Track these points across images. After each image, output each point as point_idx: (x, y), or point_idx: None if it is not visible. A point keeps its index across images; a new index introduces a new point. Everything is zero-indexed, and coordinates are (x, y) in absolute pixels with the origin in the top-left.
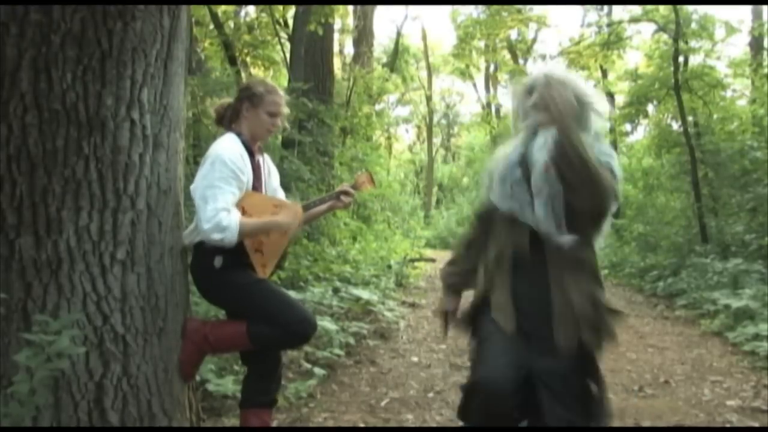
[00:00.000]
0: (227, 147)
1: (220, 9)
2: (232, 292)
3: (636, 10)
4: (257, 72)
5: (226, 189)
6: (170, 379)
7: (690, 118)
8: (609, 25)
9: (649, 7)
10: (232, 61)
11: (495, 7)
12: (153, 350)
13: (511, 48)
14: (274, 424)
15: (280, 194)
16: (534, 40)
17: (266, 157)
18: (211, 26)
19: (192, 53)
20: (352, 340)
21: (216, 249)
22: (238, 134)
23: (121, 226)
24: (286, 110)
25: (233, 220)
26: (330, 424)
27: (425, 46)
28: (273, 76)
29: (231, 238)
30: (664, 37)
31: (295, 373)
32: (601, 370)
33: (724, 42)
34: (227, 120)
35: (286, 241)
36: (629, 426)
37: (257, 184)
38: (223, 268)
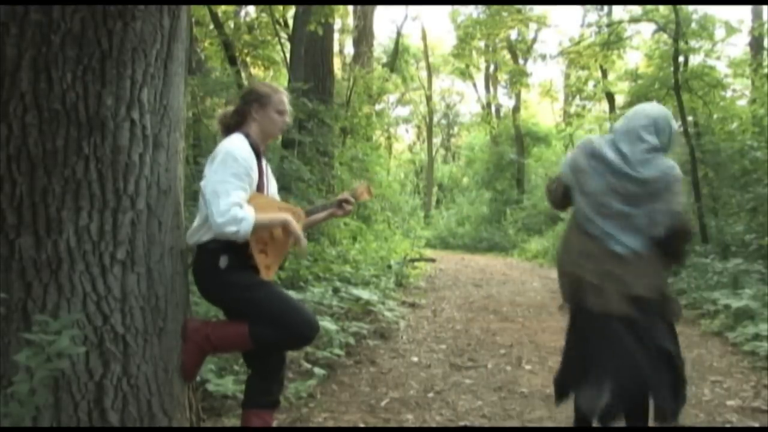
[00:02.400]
0: (238, 145)
1: (220, 9)
2: (236, 293)
3: (636, 10)
4: (257, 72)
5: (238, 185)
6: (170, 379)
7: (690, 118)
8: (609, 25)
9: (649, 7)
10: (232, 61)
11: (495, 7)
12: (153, 350)
13: (511, 48)
14: (274, 424)
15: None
16: (534, 40)
17: (267, 163)
18: (211, 26)
19: (192, 53)
20: (352, 340)
21: (221, 249)
22: (246, 135)
23: (121, 226)
24: (290, 108)
25: (248, 213)
26: (330, 424)
27: (425, 46)
28: (273, 76)
29: (246, 230)
30: (664, 37)
31: (295, 373)
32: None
33: (724, 42)
34: (233, 126)
35: (289, 244)
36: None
37: (260, 187)
38: (228, 269)
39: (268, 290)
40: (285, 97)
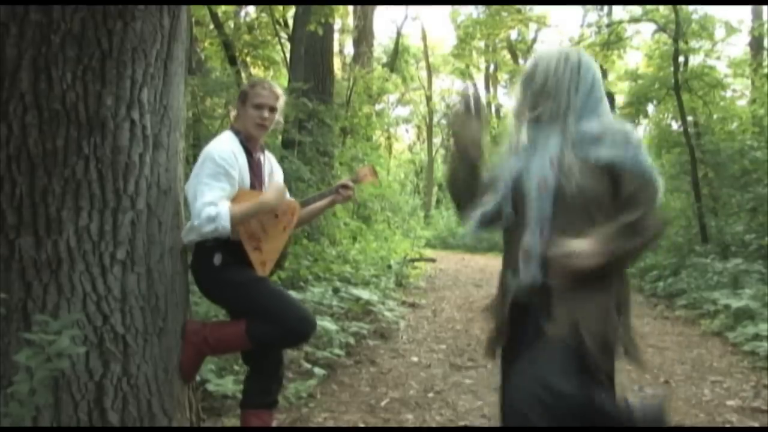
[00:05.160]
0: (218, 145)
1: (220, 9)
2: (232, 290)
3: (636, 10)
4: (257, 72)
5: (215, 185)
6: (170, 379)
7: (690, 118)
8: (609, 25)
9: (649, 7)
10: (232, 61)
11: (495, 7)
12: (153, 350)
13: (511, 48)
14: (274, 424)
15: None
16: (534, 40)
17: (270, 156)
18: (211, 26)
19: (192, 53)
20: (352, 340)
21: (215, 246)
22: (237, 132)
23: (121, 226)
24: (280, 103)
25: (222, 209)
26: (330, 424)
27: (425, 46)
28: (273, 76)
29: (224, 226)
30: (664, 37)
31: (295, 373)
32: None
33: (724, 42)
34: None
35: (284, 239)
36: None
37: (256, 183)
38: (223, 266)
39: (263, 287)
40: (265, 90)
